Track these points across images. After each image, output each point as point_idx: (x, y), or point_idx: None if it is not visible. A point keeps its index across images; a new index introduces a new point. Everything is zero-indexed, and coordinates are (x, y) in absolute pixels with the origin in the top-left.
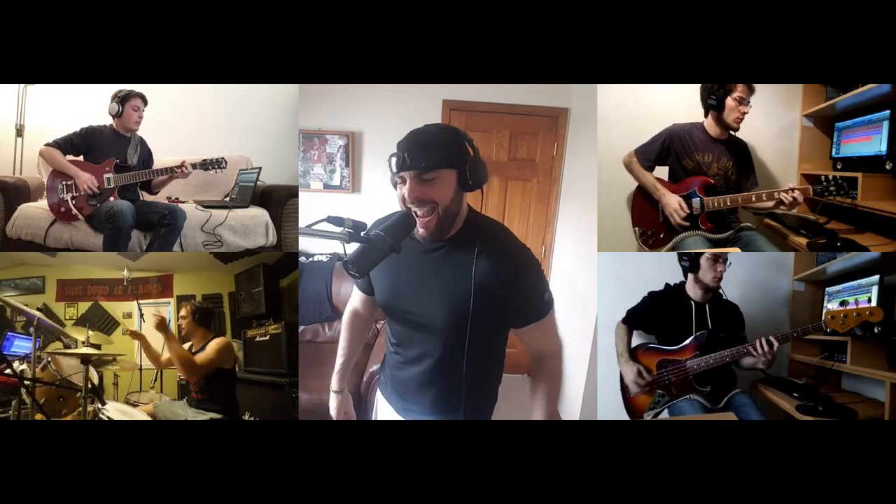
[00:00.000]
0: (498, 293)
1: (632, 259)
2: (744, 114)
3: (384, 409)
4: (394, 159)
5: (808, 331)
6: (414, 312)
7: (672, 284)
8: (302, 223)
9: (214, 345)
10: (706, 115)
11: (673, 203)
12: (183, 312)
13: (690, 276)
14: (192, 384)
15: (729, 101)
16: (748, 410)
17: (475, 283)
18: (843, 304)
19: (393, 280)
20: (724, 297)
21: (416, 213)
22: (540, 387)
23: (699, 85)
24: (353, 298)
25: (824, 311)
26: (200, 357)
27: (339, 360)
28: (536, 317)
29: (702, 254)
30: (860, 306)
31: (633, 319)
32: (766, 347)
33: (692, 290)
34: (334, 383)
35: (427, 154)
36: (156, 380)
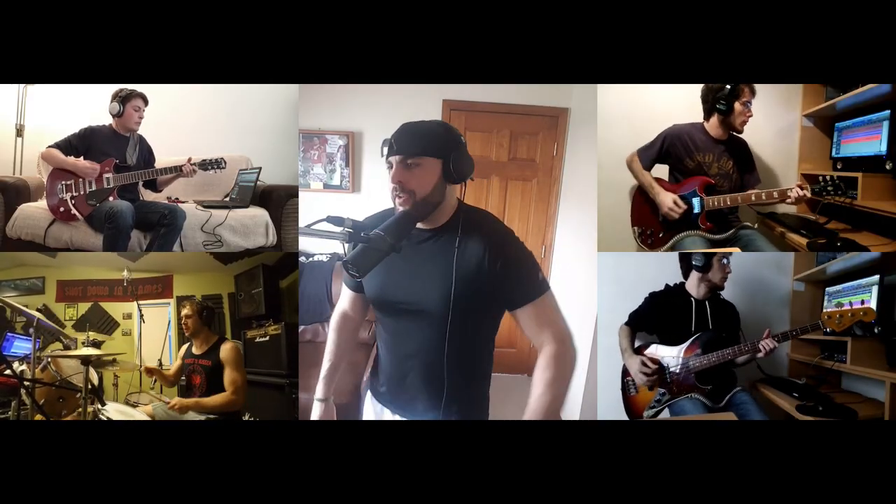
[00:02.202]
0: (484, 276)
1: (632, 259)
2: (749, 117)
3: (379, 414)
4: (385, 147)
5: (807, 330)
6: (405, 302)
7: (672, 285)
8: (302, 223)
9: (233, 375)
10: (708, 117)
11: (667, 202)
12: (188, 311)
13: (696, 274)
14: (195, 386)
15: (737, 106)
16: (749, 408)
17: (457, 266)
18: (838, 305)
19: (382, 273)
20: (721, 295)
21: (397, 197)
22: (540, 376)
23: (700, 85)
24: (343, 300)
25: (822, 312)
26: (230, 394)
27: (325, 366)
28: (532, 295)
29: (714, 254)
30: (854, 307)
31: (636, 321)
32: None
33: (694, 289)
34: (319, 391)
35: (413, 141)
36: (156, 381)
